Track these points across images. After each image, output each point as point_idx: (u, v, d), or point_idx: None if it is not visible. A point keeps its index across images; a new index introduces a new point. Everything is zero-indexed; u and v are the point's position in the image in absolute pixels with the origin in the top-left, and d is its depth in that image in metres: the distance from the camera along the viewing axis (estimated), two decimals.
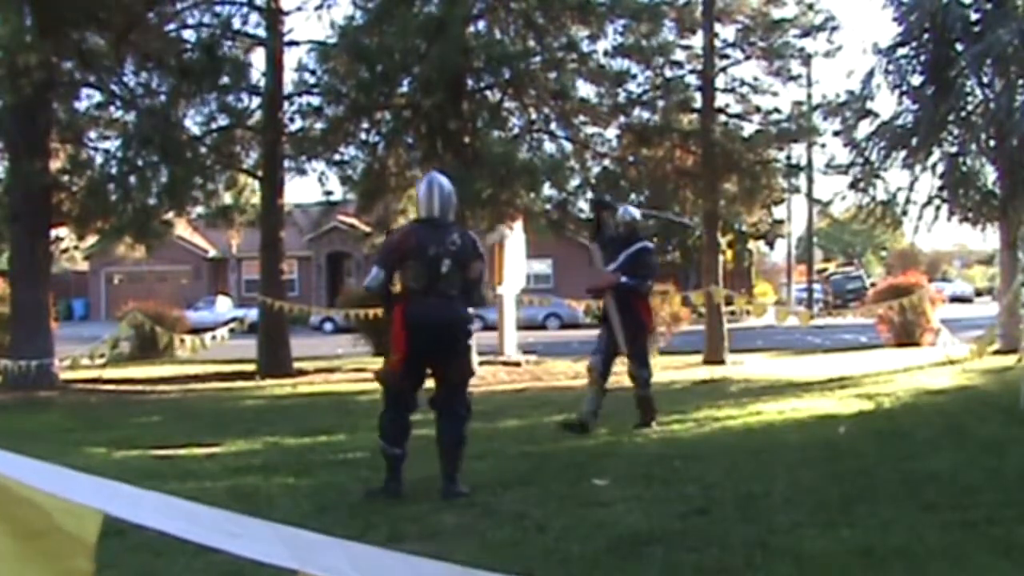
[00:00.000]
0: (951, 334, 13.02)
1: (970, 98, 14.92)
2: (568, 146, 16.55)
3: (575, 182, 16.27)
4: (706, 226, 17.81)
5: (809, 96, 17.53)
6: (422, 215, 5.41)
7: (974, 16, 14.59)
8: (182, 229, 26.87)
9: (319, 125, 16.01)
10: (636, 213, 7.89)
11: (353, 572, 1.05)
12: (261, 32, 16.42)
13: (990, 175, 15.26)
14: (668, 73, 16.71)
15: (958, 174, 14.97)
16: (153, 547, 3.91)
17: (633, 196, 17.26)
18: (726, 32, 16.83)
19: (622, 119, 16.37)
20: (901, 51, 15.03)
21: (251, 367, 16.13)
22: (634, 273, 7.46)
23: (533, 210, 15.55)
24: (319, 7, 16.54)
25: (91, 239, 18.29)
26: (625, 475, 5.69)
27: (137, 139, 14.78)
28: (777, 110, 16.81)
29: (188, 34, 16.04)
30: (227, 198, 17.46)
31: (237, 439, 8.08)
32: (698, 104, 16.78)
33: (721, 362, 15.74)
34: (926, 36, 14.66)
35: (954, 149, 15.21)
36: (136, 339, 18.88)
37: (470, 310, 5.43)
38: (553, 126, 16.45)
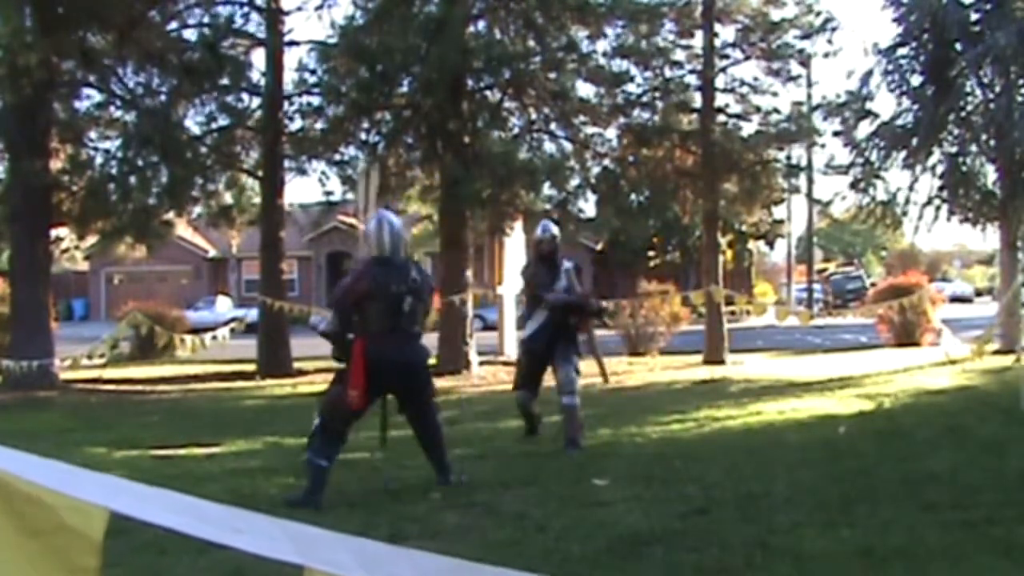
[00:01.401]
0: (952, 334, 13.02)
1: (970, 98, 14.92)
2: (568, 146, 16.55)
3: (575, 182, 16.27)
4: (706, 226, 17.80)
5: (809, 96, 17.53)
6: (374, 254, 5.37)
7: (974, 17, 14.59)
8: (182, 229, 26.87)
9: (319, 125, 16.02)
10: (554, 229, 7.43)
11: (358, 567, 1.05)
12: (261, 32, 16.44)
13: (990, 175, 15.26)
14: (668, 73, 16.70)
15: (958, 174, 14.97)
16: (158, 545, 3.92)
17: (633, 197, 17.26)
18: (726, 32, 16.83)
19: (622, 119, 16.37)
20: (901, 51, 15.03)
21: (251, 367, 16.13)
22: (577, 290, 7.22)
23: (533, 210, 15.55)
24: (319, 7, 16.58)
25: (91, 239, 18.29)
26: (625, 475, 5.69)
27: (137, 139, 14.79)
28: (777, 110, 16.80)
29: (189, 33, 16.06)
30: (227, 198, 17.47)
31: (237, 439, 8.08)
32: (698, 104, 16.77)
33: (721, 362, 15.74)
34: (926, 36, 14.66)
35: (954, 149, 15.21)
36: (136, 339, 18.88)
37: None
38: (553, 126, 16.45)
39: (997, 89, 14.16)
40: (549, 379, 7.23)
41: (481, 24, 15.72)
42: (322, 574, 1.04)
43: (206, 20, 16.10)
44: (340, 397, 5.19)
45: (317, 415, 5.36)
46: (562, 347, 6.94)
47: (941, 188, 15.30)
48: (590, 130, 16.59)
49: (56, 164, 15.01)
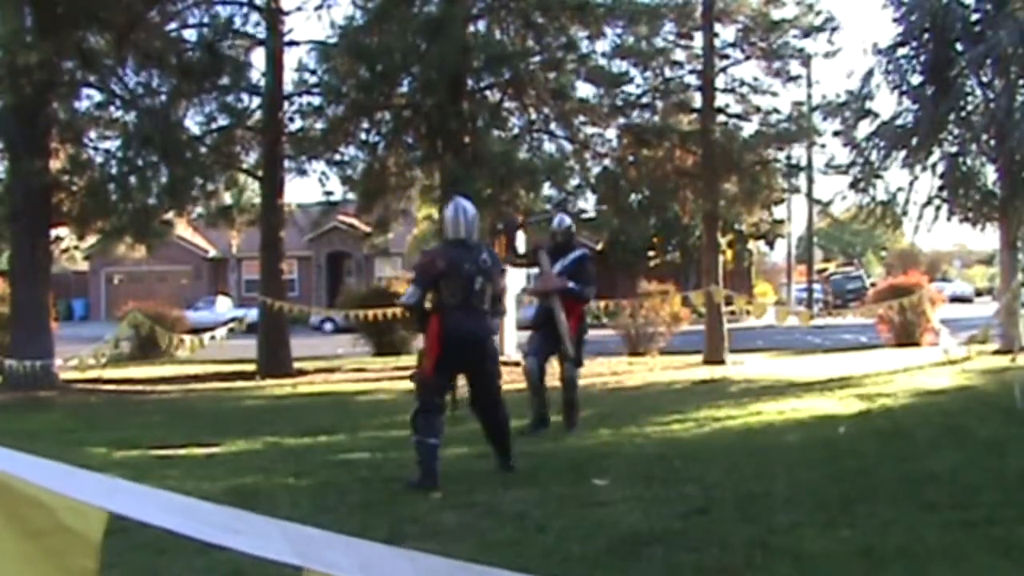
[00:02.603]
0: (950, 335, 13.01)
1: (970, 98, 14.90)
2: (568, 146, 16.55)
3: (575, 182, 16.28)
4: (706, 226, 17.80)
5: (809, 96, 17.52)
6: (450, 236, 5.87)
7: (974, 16, 14.58)
8: (182, 229, 26.84)
9: (319, 125, 16.03)
10: (569, 220, 8.15)
11: (356, 568, 1.06)
12: (261, 32, 16.43)
13: (990, 175, 15.25)
14: (668, 73, 16.71)
15: (958, 174, 14.95)
16: (156, 545, 3.92)
17: (633, 196, 17.26)
18: (726, 32, 16.84)
19: (621, 120, 16.37)
20: (901, 51, 15.01)
21: (251, 367, 16.13)
22: (578, 279, 7.66)
23: (533, 210, 15.56)
24: (319, 7, 16.58)
25: (91, 239, 18.29)
26: (625, 475, 5.69)
27: (137, 139, 14.79)
28: (777, 110, 16.81)
29: (189, 34, 16.05)
30: (227, 198, 17.46)
31: (237, 439, 8.07)
32: (698, 104, 16.77)
33: (721, 362, 15.73)
34: (926, 36, 14.65)
35: (954, 149, 15.19)
36: (136, 339, 18.88)
37: (496, 321, 6.08)
38: (553, 126, 16.46)
39: (997, 89, 14.15)
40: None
41: (481, 24, 15.73)
42: (320, 575, 1.04)
43: (205, 20, 16.11)
44: (422, 374, 5.80)
45: (415, 400, 5.86)
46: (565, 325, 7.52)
47: (941, 188, 15.28)
48: (590, 130, 16.60)
49: (56, 164, 15.01)
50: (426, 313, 5.76)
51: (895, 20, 14.96)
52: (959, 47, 14.32)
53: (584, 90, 16.11)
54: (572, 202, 16.20)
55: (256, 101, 16.50)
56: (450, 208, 5.95)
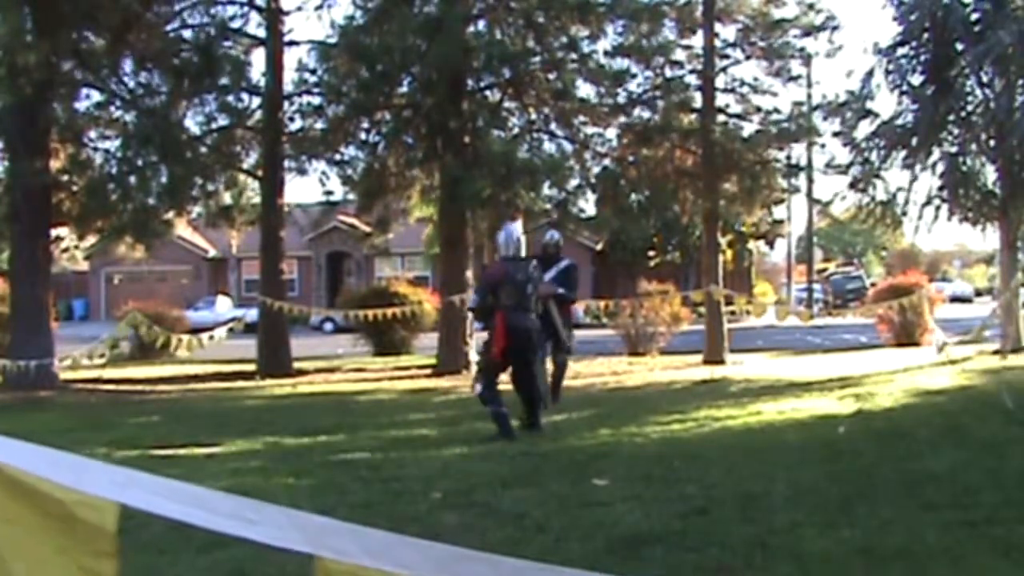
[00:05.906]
0: (943, 334, 12.99)
1: (970, 98, 14.90)
2: (568, 146, 16.53)
3: (575, 182, 16.26)
4: (706, 226, 17.79)
5: (809, 96, 17.46)
6: (503, 255, 7.70)
7: (974, 16, 14.57)
8: (182, 229, 26.85)
9: (319, 125, 16.00)
10: (558, 235, 9.75)
11: (364, 555, 1.08)
12: (261, 32, 16.43)
13: (990, 175, 15.24)
14: (668, 73, 16.67)
15: (958, 174, 14.95)
16: (157, 545, 3.91)
17: (633, 196, 17.25)
18: (726, 32, 16.80)
19: (622, 119, 16.35)
20: (901, 51, 15.01)
21: (251, 367, 16.13)
22: (565, 285, 9.26)
23: (533, 210, 15.55)
24: (319, 7, 16.56)
25: (91, 239, 18.28)
26: (625, 475, 5.70)
27: (137, 139, 14.77)
28: (777, 110, 16.76)
29: (188, 34, 16.02)
30: (227, 198, 17.45)
31: (237, 439, 8.08)
32: (698, 104, 16.75)
33: (721, 362, 15.73)
34: (926, 36, 14.64)
35: (954, 149, 15.19)
36: (136, 339, 18.86)
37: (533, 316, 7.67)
38: (553, 126, 16.43)
39: (997, 89, 14.15)
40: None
41: (481, 24, 15.70)
42: (330, 562, 1.05)
43: (205, 21, 16.09)
44: (491, 358, 7.52)
45: (477, 383, 7.80)
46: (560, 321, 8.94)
47: (941, 188, 15.28)
48: (590, 130, 16.57)
49: (56, 164, 15.00)
50: (490, 313, 7.49)
51: (895, 20, 14.96)
52: (959, 47, 14.32)
53: (584, 90, 16.10)
54: (572, 202, 16.17)
55: (256, 101, 16.49)
56: (502, 233, 7.76)
